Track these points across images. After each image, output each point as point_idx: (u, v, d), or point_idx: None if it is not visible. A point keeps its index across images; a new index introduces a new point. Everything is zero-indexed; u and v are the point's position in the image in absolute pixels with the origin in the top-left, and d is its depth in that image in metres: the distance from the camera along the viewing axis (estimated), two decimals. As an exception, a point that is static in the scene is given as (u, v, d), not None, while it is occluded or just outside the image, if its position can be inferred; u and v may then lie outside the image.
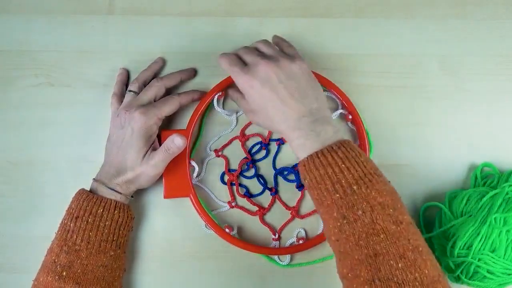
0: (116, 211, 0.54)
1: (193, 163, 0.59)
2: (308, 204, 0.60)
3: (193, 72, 0.61)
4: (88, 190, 0.55)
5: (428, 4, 0.63)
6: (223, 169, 0.60)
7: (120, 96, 0.59)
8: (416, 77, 0.62)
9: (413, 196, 0.60)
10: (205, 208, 0.58)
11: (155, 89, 0.57)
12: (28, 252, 0.59)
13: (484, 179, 0.59)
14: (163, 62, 0.61)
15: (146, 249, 0.59)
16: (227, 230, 0.58)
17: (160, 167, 0.55)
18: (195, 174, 0.59)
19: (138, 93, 0.57)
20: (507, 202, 0.53)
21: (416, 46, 0.62)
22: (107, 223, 0.53)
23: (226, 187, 0.60)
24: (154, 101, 0.57)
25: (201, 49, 0.62)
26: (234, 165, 0.61)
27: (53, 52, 0.62)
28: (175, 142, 0.54)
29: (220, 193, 0.60)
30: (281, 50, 0.55)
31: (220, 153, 0.60)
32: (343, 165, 0.46)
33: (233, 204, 0.60)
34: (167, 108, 0.56)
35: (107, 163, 0.56)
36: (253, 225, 0.60)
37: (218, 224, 0.58)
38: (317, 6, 0.63)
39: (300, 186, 0.60)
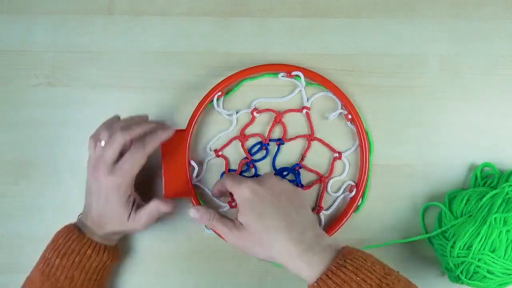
0: (105, 254, 0.53)
1: (193, 163, 0.59)
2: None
3: (170, 132, 0.55)
4: (74, 224, 0.54)
5: (428, 4, 0.63)
6: (223, 169, 0.60)
7: (95, 144, 0.54)
8: (416, 77, 0.62)
9: (413, 196, 0.60)
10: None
11: (120, 143, 0.51)
12: (28, 252, 0.59)
13: (484, 179, 0.59)
14: (142, 115, 0.56)
15: (146, 249, 0.59)
16: (227, 230, 0.58)
17: (149, 223, 0.55)
18: (195, 174, 0.59)
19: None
20: (507, 202, 0.53)
21: (416, 46, 0.62)
22: (93, 264, 0.52)
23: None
24: (122, 153, 0.52)
25: (201, 49, 0.62)
26: (234, 165, 0.61)
27: (53, 52, 0.62)
28: (161, 209, 0.54)
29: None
30: None
31: (220, 153, 0.60)
32: (358, 278, 0.44)
33: (233, 204, 0.59)
34: (134, 167, 0.52)
35: (92, 214, 0.53)
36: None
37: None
38: (317, 6, 0.63)
39: (300, 186, 0.60)
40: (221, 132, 0.60)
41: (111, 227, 0.53)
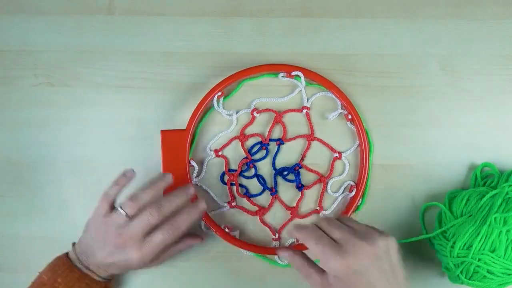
0: None
1: (193, 163, 0.59)
2: (307, 204, 0.60)
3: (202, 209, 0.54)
4: (69, 257, 0.53)
5: (428, 4, 0.63)
6: (223, 169, 0.60)
7: (112, 202, 0.52)
8: (416, 77, 0.62)
9: (413, 196, 0.60)
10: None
11: (152, 224, 0.50)
12: (28, 252, 0.59)
13: (484, 179, 0.59)
14: (167, 180, 0.53)
15: (146, 249, 0.59)
16: (226, 230, 0.58)
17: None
18: (194, 174, 0.59)
19: (130, 217, 0.51)
20: (507, 202, 0.53)
21: (416, 46, 0.62)
22: None
23: (226, 187, 0.60)
24: None
25: (201, 49, 0.62)
26: (234, 165, 0.61)
27: (53, 52, 0.62)
28: (192, 245, 0.56)
29: (220, 193, 0.60)
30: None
31: (220, 153, 0.60)
32: None
33: (233, 204, 0.60)
34: (165, 243, 0.51)
35: (97, 260, 0.52)
36: (253, 225, 0.60)
37: (217, 224, 0.58)
38: (317, 6, 0.63)
39: (300, 186, 0.60)
40: (221, 132, 0.60)
41: (115, 273, 0.54)
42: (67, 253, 0.54)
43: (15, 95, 0.61)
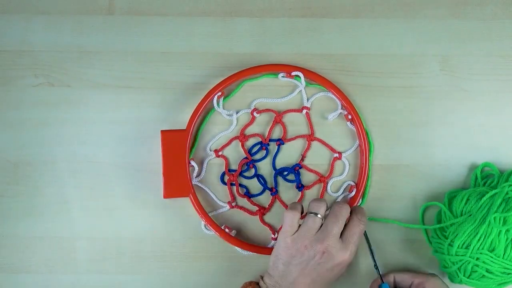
0: None
1: (193, 163, 0.59)
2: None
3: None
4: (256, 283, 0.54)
5: (428, 4, 0.63)
6: (223, 169, 0.60)
7: (299, 215, 0.53)
8: (416, 77, 0.62)
9: (413, 196, 0.60)
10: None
11: (346, 217, 0.53)
12: (28, 252, 0.59)
13: (484, 179, 0.59)
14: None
15: (146, 249, 0.59)
16: (226, 230, 0.58)
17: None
18: (194, 174, 0.59)
19: (321, 217, 0.53)
20: (507, 202, 0.53)
21: (416, 46, 0.62)
22: None
23: (226, 187, 0.60)
24: None
25: (201, 49, 0.62)
26: (234, 165, 0.61)
27: (53, 52, 0.62)
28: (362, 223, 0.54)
29: (220, 193, 0.60)
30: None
31: (220, 153, 0.60)
32: None
33: (233, 204, 0.60)
34: (359, 239, 0.53)
35: (282, 285, 0.52)
36: (253, 225, 0.60)
37: (217, 224, 0.58)
38: (317, 6, 0.63)
39: (300, 186, 0.60)
40: (221, 132, 0.60)
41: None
42: (257, 283, 0.54)
43: (15, 95, 0.61)
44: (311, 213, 0.52)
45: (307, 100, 0.61)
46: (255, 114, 0.60)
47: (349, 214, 0.53)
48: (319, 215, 0.52)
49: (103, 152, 0.60)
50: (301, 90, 0.61)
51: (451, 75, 0.62)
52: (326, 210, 0.54)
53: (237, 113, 0.60)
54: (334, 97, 0.60)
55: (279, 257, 0.52)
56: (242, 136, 0.60)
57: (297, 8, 0.63)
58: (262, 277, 0.54)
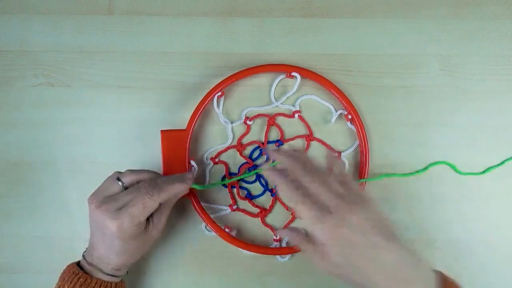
0: None
1: (193, 163, 0.59)
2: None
3: (186, 186, 0.53)
4: (78, 263, 0.52)
5: (428, 4, 0.63)
6: (223, 172, 0.60)
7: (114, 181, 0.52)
8: (416, 77, 0.62)
9: (413, 196, 0.60)
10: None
11: (140, 199, 0.49)
12: (28, 252, 0.59)
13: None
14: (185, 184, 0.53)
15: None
16: (227, 230, 0.58)
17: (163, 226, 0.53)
18: (195, 174, 0.59)
19: (126, 188, 0.51)
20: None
21: (416, 46, 0.62)
22: None
23: (226, 190, 0.60)
24: None
25: (201, 49, 0.62)
26: (234, 168, 0.61)
27: (53, 52, 0.62)
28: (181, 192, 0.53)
29: (221, 196, 0.60)
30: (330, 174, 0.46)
31: (217, 160, 0.60)
32: None
33: (234, 207, 0.60)
34: (143, 212, 0.49)
35: (98, 252, 0.51)
36: (254, 227, 0.60)
37: (218, 224, 0.58)
38: (317, 6, 0.63)
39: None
40: (218, 145, 0.60)
41: (119, 262, 0.51)
42: (78, 261, 0.53)
43: (15, 95, 0.61)
44: (118, 179, 0.51)
45: (295, 103, 0.61)
46: (248, 122, 0.60)
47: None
48: (120, 183, 0.51)
49: (103, 152, 0.60)
50: (288, 97, 0.61)
51: (451, 75, 0.62)
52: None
53: (232, 123, 0.60)
54: (334, 97, 0.60)
55: (89, 217, 0.51)
56: (239, 146, 0.60)
57: (297, 8, 0.63)
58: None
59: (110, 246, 0.50)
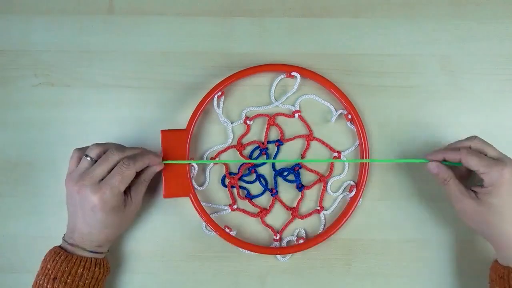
0: (96, 269, 0.53)
1: (193, 162, 0.59)
2: (308, 204, 0.60)
3: (159, 161, 0.56)
4: (59, 246, 0.54)
5: (428, 4, 0.63)
6: (223, 173, 0.60)
7: (79, 158, 0.54)
8: (416, 77, 0.62)
9: (413, 196, 0.60)
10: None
11: (114, 160, 0.52)
12: (28, 252, 0.59)
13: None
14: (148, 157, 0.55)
15: (146, 249, 0.59)
16: (227, 230, 0.58)
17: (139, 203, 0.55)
18: (195, 174, 0.59)
19: (95, 162, 0.52)
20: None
21: (416, 46, 0.62)
22: (86, 281, 0.52)
23: (226, 190, 0.60)
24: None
25: (201, 49, 0.62)
26: (234, 168, 0.61)
27: (53, 52, 0.62)
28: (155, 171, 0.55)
29: (220, 196, 0.60)
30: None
31: (217, 159, 0.60)
32: None
33: (234, 207, 0.60)
34: (122, 182, 0.51)
35: (79, 230, 0.52)
36: (254, 227, 0.60)
37: (218, 224, 0.58)
38: (317, 6, 0.63)
39: (301, 187, 0.60)
40: (218, 145, 0.60)
41: (101, 237, 0.53)
42: (59, 246, 0.54)
43: (15, 95, 0.61)
44: (86, 155, 0.53)
45: (295, 102, 0.61)
46: (248, 122, 0.60)
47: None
48: (88, 158, 0.52)
49: (103, 152, 0.60)
50: (288, 97, 0.61)
51: (451, 75, 0.62)
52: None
53: (232, 123, 0.60)
54: (334, 97, 0.60)
55: (67, 200, 0.53)
56: (239, 146, 0.60)
57: (297, 8, 0.63)
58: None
59: (93, 221, 0.52)
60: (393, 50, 0.62)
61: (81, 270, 0.52)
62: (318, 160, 0.60)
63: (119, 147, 0.54)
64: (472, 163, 0.52)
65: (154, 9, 0.62)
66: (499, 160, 0.51)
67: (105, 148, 0.53)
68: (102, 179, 0.51)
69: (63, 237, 0.54)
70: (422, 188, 0.60)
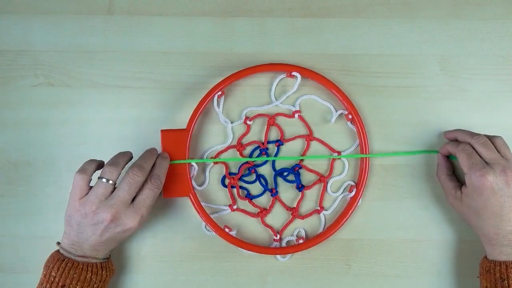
0: (104, 272, 0.53)
1: (192, 162, 0.59)
2: (308, 205, 0.60)
3: (167, 157, 0.57)
4: (59, 252, 0.53)
5: (428, 4, 0.63)
6: (223, 172, 0.60)
7: (89, 178, 0.53)
8: (416, 77, 0.62)
9: (413, 196, 0.60)
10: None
11: (140, 182, 0.52)
12: (28, 252, 0.59)
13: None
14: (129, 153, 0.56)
15: (146, 249, 0.59)
16: (226, 230, 0.58)
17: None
18: (195, 174, 0.59)
19: (113, 183, 0.52)
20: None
21: (416, 46, 0.62)
22: (95, 285, 0.52)
23: (226, 190, 0.60)
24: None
25: (201, 49, 0.62)
26: (234, 168, 0.60)
27: (53, 52, 0.62)
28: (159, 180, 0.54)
29: (220, 196, 0.60)
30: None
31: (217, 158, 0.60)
32: None
33: (234, 207, 0.60)
34: (153, 201, 0.53)
35: (93, 246, 0.52)
36: (254, 227, 0.60)
37: (218, 224, 0.58)
38: (317, 6, 0.63)
39: (301, 187, 0.60)
40: (218, 145, 0.60)
41: (116, 246, 0.54)
42: (58, 250, 0.54)
43: (15, 95, 0.61)
44: (102, 178, 0.52)
45: (295, 103, 0.61)
46: (248, 122, 0.60)
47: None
48: (110, 181, 0.51)
49: (103, 152, 0.60)
50: (288, 96, 0.61)
51: (451, 75, 0.62)
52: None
53: (232, 123, 0.60)
54: (334, 97, 0.60)
55: (72, 217, 0.52)
56: (239, 146, 0.60)
57: (297, 8, 0.63)
58: (59, 243, 0.54)
59: (115, 237, 0.52)
60: (393, 50, 0.62)
61: (90, 275, 0.52)
62: (319, 156, 0.60)
63: (138, 166, 0.52)
64: (461, 161, 0.53)
65: (154, 9, 0.62)
66: (489, 164, 0.51)
67: (120, 169, 0.53)
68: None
69: (62, 245, 0.53)
70: (422, 188, 0.60)
